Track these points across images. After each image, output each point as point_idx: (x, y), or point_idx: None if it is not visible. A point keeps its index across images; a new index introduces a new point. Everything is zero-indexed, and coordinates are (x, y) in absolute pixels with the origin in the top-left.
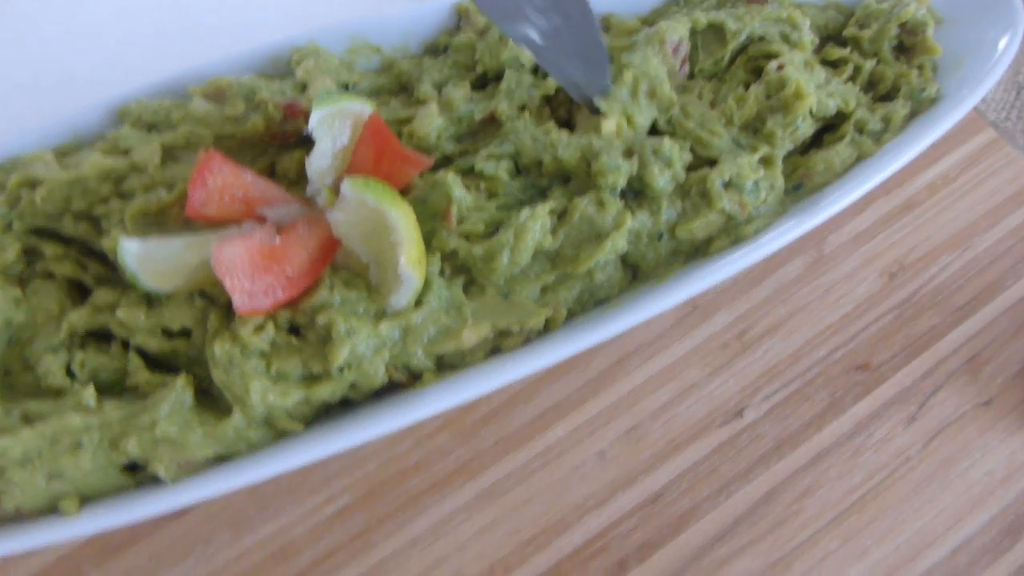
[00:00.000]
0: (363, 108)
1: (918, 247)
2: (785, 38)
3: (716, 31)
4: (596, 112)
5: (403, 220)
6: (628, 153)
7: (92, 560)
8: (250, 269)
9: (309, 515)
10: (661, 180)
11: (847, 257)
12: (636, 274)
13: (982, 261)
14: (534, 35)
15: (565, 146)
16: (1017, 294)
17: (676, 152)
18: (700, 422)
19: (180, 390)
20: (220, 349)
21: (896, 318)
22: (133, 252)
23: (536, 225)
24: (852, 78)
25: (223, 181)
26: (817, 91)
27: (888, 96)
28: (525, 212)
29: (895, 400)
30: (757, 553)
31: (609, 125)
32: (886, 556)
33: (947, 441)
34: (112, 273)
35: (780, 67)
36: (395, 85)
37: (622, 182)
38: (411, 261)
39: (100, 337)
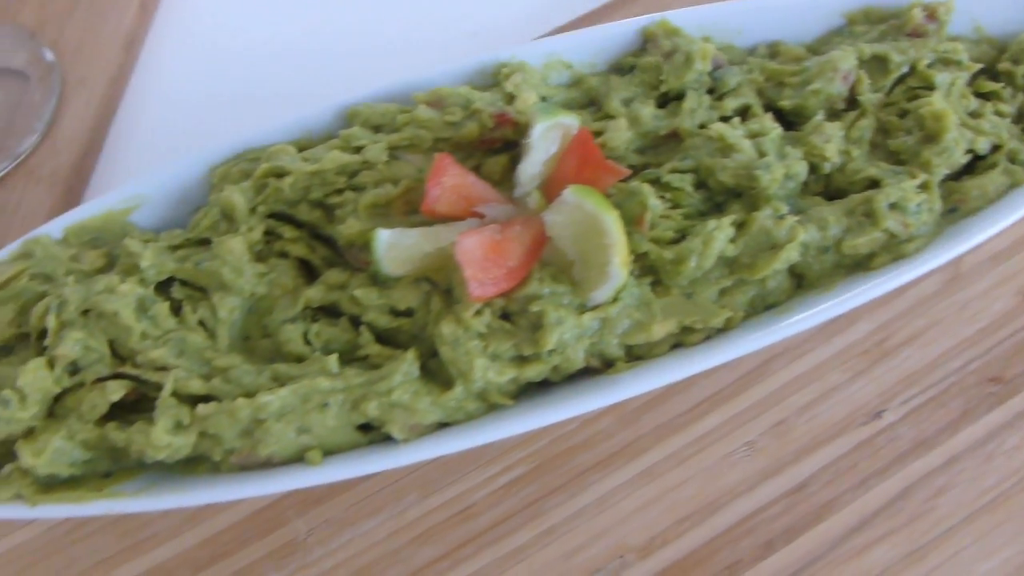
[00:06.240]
0: (572, 122)
1: None
2: (945, 62)
3: (879, 62)
4: None
5: (615, 224)
6: None
7: (296, 508)
8: (482, 260)
9: (488, 482)
10: None
11: (983, 276)
12: (801, 283)
13: None
14: None
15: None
16: None
17: None
18: (842, 421)
19: (410, 362)
20: (448, 329)
21: None
22: (385, 240)
23: (722, 234)
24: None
25: (453, 182)
26: (972, 120)
27: None
28: (712, 222)
29: None
30: (894, 543)
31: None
32: (1014, 555)
33: None
34: (337, 257)
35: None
36: (584, 99)
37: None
38: (623, 261)
39: (327, 312)
